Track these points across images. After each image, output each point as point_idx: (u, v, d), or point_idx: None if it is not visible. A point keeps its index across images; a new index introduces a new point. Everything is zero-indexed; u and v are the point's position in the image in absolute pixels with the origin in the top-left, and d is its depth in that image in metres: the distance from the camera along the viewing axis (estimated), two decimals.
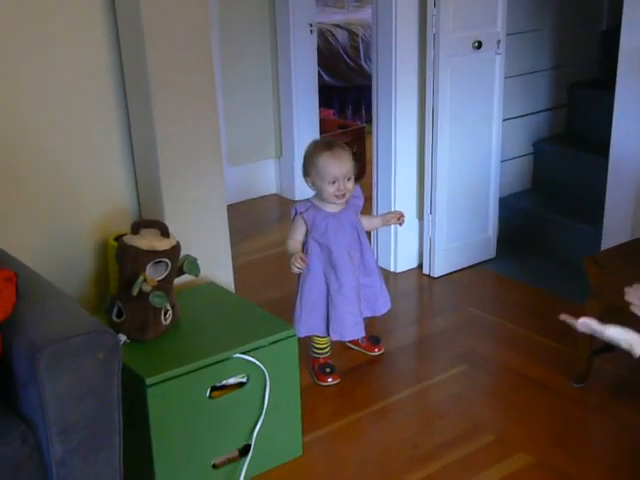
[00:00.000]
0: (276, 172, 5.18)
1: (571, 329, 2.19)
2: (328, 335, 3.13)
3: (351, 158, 3.00)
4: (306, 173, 3.02)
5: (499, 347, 3.42)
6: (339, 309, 3.06)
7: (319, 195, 3.02)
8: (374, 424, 2.97)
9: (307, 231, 3.03)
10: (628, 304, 2.09)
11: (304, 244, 3.05)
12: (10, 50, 2.62)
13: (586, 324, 1.99)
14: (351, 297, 3.07)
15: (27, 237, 2.77)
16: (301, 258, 2.95)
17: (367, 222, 3.20)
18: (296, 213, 3.04)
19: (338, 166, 2.94)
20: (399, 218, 3.20)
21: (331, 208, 3.03)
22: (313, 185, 3.02)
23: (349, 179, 2.97)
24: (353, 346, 3.38)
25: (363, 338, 3.33)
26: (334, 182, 2.95)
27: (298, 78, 4.90)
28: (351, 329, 3.10)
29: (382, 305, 3.25)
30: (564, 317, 2.04)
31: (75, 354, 1.99)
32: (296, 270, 2.98)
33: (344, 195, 2.98)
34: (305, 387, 2.91)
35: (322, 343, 3.19)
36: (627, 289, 2.05)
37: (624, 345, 1.96)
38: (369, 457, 2.78)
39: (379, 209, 4.01)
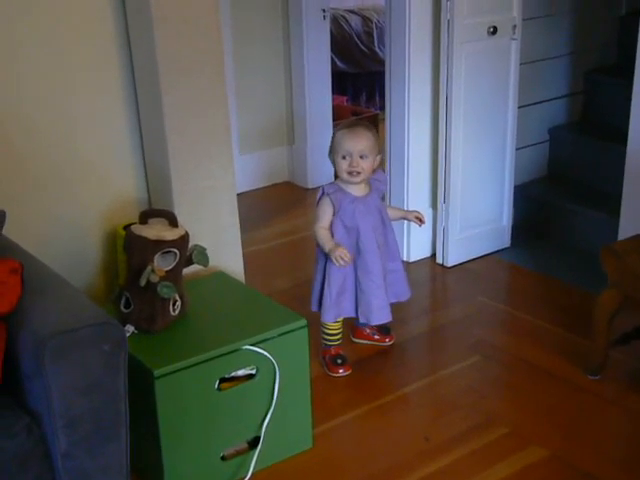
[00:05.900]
0: (288, 159, 5.14)
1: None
2: (357, 317, 3.11)
3: (372, 138, 2.97)
4: (329, 150, 3.04)
5: (513, 338, 3.37)
6: (366, 293, 3.05)
7: (339, 175, 3.01)
8: (385, 416, 2.94)
9: (334, 213, 3.00)
10: None
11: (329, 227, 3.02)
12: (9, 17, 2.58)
13: None
14: (378, 281, 3.05)
15: (33, 226, 2.74)
16: (347, 254, 2.93)
17: (390, 211, 3.20)
18: (323, 194, 3.01)
19: (352, 140, 2.94)
20: (420, 219, 3.20)
21: (356, 191, 3.01)
22: (333, 163, 3.02)
23: (363, 157, 2.94)
24: (363, 341, 3.34)
25: (373, 331, 3.31)
26: (346, 157, 2.94)
27: (311, 64, 4.86)
28: (377, 312, 3.07)
29: (404, 292, 3.24)
30: None
31: (80, 346, 1.97)
32: (342, 265, 2.94)
33: (359, 174, 2.95)
34: (315, 377, 2.88)
35: (334, 329, 3.14)
36: None
37: None
38: (380, 450, 2.75)
39: (392, 198, 3.96)
